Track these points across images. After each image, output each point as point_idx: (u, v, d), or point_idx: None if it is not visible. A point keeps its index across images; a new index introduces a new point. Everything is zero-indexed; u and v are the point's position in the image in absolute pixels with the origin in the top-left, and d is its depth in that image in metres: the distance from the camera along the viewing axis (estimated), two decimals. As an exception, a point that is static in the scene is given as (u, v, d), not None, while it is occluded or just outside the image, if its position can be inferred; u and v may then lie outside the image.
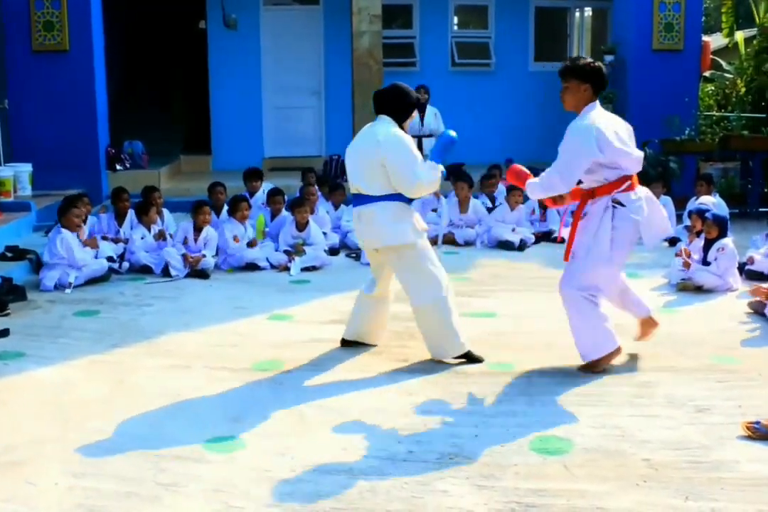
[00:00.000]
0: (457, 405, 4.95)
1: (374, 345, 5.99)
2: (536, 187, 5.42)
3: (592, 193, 5.38)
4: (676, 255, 7.98)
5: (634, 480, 3.97)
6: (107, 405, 4.98)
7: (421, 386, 5.25)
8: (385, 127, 5.55)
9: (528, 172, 5.58)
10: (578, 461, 4.18)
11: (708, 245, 7.75)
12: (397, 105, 5.61)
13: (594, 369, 5.44)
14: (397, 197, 5.54)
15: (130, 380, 5.40)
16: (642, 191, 5.42)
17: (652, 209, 5.41)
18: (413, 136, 11.80)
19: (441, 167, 5.57)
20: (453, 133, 5.62)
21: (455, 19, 15.61)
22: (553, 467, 4.13)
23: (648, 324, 5.93)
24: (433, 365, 5.62)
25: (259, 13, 14.67)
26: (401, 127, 5.62)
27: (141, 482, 3.98)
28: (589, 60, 5.36)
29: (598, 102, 5.36)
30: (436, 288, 5.58)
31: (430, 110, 12.16)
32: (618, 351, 5.50)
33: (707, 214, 7.89)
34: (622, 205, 5.28)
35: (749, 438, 4.38)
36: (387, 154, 5.42)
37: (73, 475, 4.06)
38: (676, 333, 6.34)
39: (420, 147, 11.78)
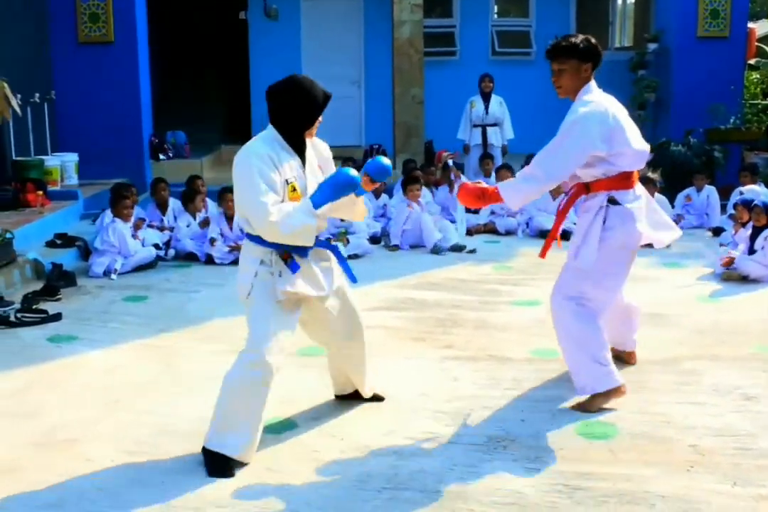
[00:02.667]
0: (503, 390, 4.98)
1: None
2: (511, 191, 4.61)
3: (586, 187, 4.67)
4: (721, 245, 7.95)
5: (680, 465, 3.99)
6: (156, 387, 5.09)
7: (466, 372, 5.30)
8: (251, 140, 4.15)
9: (483, 185, 4.72)
10: (624, 446, 4.21)
11: (755, 234, 7.70)
12: (278, 110, 4.07)
13: (591, 406, 4.66)
14: (257, 240, 4.06)
15: (178, 363, 5.51)
16: (641, 189, 4.73)
17: (651, 209, 4.82)
18: (477, 126, 11.97)
19: (318, 212, 3.96)
20: (353, 173, 4.01)
21: (495, 8, 15.58)
22: (599, 451, 4.16)
23: (626, 357, 5.34)
24: (477, 351, 5.67)
25: (299, 3, 14.73)
26: (296, 139, 4.09)
27: (195, 460, 4.07)
28: (582, 36, 4.62)
29: (594, 82, 4.67)
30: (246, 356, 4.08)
31: (495, 99, 12.05)
32: (621, 390, 4.69)
33: (756, 202, 7.86)
34: (617, 203, 4.58)
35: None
36: (233, 176, 4.02)
37: (127, 453, 4.17)
38: (721, 322, 6.35)
39: (485, 137, 11.81)
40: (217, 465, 3.98)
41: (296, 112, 4.03)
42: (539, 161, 4.55)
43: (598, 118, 4.45)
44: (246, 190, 3.92)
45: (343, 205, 4.13)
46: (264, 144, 4.01)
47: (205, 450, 4.05)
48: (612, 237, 4.58)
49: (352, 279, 4.39)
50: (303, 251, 4.08)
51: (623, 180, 4.59)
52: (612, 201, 4.59)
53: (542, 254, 4.85)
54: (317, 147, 4.26)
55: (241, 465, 4.03)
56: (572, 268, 4.72)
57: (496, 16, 15.53)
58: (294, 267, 4.04)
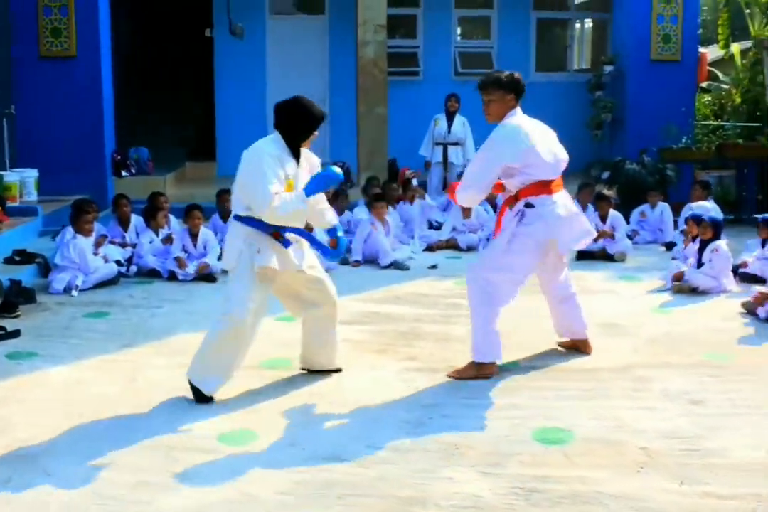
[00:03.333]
0: (461, 399, 5.11)
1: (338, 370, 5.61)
2: (459, 194, 5.61)
3: (515, 196, 5.50)
4: (673, 258, 8.18)
5: (631, 467, 4.15)
6: (120, 402, 5.11)
7: (426, 382, 5.41)
8: (260, 141, 5.08)
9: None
10: (578, 450, 4.36)
11: (702, 248, 7.96)
12: (285, 121, 5.04)
13: (465, 373, 5.46)
14: (249, 221, 5.01)
15: (142, 378, 5.54)
16: (562, 196, 5.53)
17: (570, 215, 5.51)
18: (438, 144, 12.17)
19: (310, 199, 4.95)
20: (338, 171, 5.08)
21: (458, 30, 15.81)
22: (555, 456, 4.30)
23: (580, 346, 5.99)
24: (439, 363, 5.77)
25: (265, 21, 14.86)
26: (296, 146, 5.05)
27: (156, 472, 4.14)
28: (507, 72, 5.51)
29: (519, 108, 5.52)
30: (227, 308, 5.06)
31: (459, 119, 12.26)
32: (493, 369, 5.50)
33: (704, 216, 8.13)
34: (532, 206, 5.41)
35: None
36: (241, 168, 5.01)
37: (89, 467, 4.20)
38: (672, 331, 6.56)
39: (445, 155, 12.00)
40: (198, 395, 5.03)
41: (298, 125, 5.01)
42: (466, 173, 5.58)
43: (509, 137, 5.36)
44: (255, 179, 4.84)
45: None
46: (273, 146, 4.97)
47: (190, 381, 5.06)
48: (523, 233, 5.40)
49: (326, 254, 5.39)
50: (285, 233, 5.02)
51: (539, 187, 5.41)
52: (528, 205, 5.42)
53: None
54: (309, 156, 5.24)
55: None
56: (487, 256, 5.62)
57: (458, 37, 15.76)
58: (287, 244, 5.03)
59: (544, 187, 5.42)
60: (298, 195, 4.89)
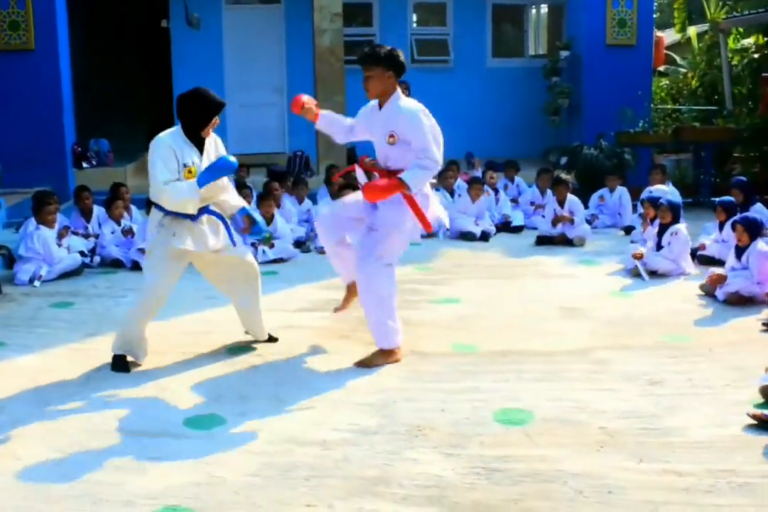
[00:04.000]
0: (424, 383, 5.20)
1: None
2: (418, 177, 5.35)
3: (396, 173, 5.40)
4: (632, 242, 8.30)
5: (591, 446, 4.26)
6: (87, 389, 5.17)
7: (388, 366, 5.50)
8: (162, 132, 5.36)
9: (382, 180, 5.43)
10: (539, 430, 4.47)
11: (662, 231, 8.07)
12: (182, 112, 5.34)
13: (371, 362, 5.52)
14: (158, 207, 5.39)
15: (107, 365, 5.57)
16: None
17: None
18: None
19: (202, 190, 5.21)
20: (232, 159, 5.28)
21: (414, 17, 15.85)
22: (516, 436, 4.41)
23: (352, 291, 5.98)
24: (402, 347, 5.85)
25: (221, 11, 14.81)
26: (196, 135, 5.31)
27: (125, 456, 4.20)
28: (388, 47, 5.45)
29: (399, 90, 5.55)
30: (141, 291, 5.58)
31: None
32: (398, 354, 5.61)
33: (662, 200, 8.24)
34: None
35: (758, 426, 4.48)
36: (149, 160, 5.32)
37: (59, 451, 4.27)
38: (631, 314, 6.69)
39: None
40: (119, 363, 5.51)
41: (194, 115, 5.29)
42: (430, 155, 5.35)
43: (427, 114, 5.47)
44: (151, 170, 5.22)
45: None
46: (170, 136, 5.29)
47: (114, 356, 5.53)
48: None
49: (233, 243, 5.64)
50: (193, 217, 5.35)
51: None
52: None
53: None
54: (217, 142, 5.51)
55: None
56: (380, 236, 5.47)
57: (415, 24, 15.81)
58: (195, 219, 5.34)
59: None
60: (190, 184, 5.18)
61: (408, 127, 5.38)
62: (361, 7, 15.30)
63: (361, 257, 5.47)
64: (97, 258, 8.71)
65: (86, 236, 9.08)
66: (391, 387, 5.13)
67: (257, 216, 5.69)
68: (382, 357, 5.55)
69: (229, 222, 5.61)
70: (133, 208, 9.78)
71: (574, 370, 5.39)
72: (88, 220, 9.43)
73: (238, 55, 14.88)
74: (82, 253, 8.51)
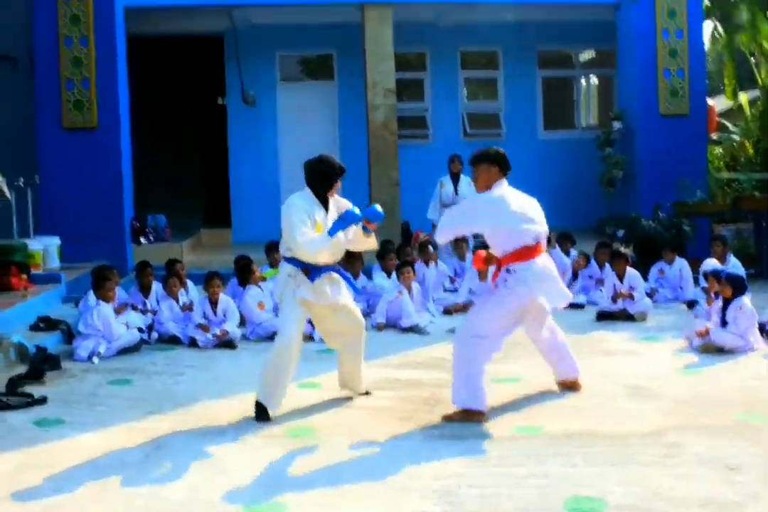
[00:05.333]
0: (488, 467, 5.04)
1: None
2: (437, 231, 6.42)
3: (500, 262, 6.05)
4: (695, 317, 8.11)
5: (670, 536, 4.07)
6: (145, 469, 5.10)
7: (452, 450, 5.34)
8: (292, 196, 6.19)
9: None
10: (613, 519, 4.28)
11: (726, 305, 7.88)
12: (309, 177, 6.15)
13: (455, 417, 5.94)
14: (291, 261, 6.08)
15: (167, 445, 5.53)
16: (542, 259, 6.06)
17: (548, 275, 6.06)
18: (446, 205, 12.14)
19: (333, 239, 5.98)
20: (357, 211, 6.07)
21: (465, 91, 16.01)
22: (589, 525, 4.23)
23: (571, 385, 6.60)
24: (462, 429, 5.72)
25: (275, 88, 15.13)
26: (322, 196, 6.11)
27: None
28: (495, 148, 6.21)
29: (505, 181, 6.11)
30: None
31: (465, 179, 12.14)
32: (483, 416, 5.91)
33: (721, 274, 8.06)
34: (514, 272, 5.93)
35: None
36: (281, 219, 6.08)
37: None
38: (700, 393, 6.47)
39: None
40: (259, 412, 6.02)
41: (320, 179, 6.11)
42: (445, 213, 6.58)
43: (491, 203, 6.01)
44: (289, 225, 5.94)
45: (355, 237, 6.17)
46: (300, 198, 6.11)
47: (256, 402, 6.05)
48: (506, 297, 5.96)
49: (356, 291, 6.59)
50: (317, 272, 6.01)
51: (520, 254, 5.94)
52: (509, 271, 5.95)
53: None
54: (338, 201, 6.26)
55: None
56: (472, 319, 6.15)
57: (466, 99, 15.95)
58: (313, 278, 6.01)
59: (524, 253, 5.94)
60: (322, 235, 5.96)
61: None
62: (413, 83, 15.52)
63: (460, 329, 6.22)
64: (154, 335, 8.74)
65: (144, 312, 9.13)
66: (454, 472, 4.97)
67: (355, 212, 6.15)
68: (465, 415, 5.89)
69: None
70: (189, 283, 9.83)
71: (645, 454, 5.18)
72: (146, 296, 9.49)
73: (293, 131, 15.11)
74: (140, 329, 8.55)
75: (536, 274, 5.94)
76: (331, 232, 5.98)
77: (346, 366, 6.51)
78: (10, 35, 11.11)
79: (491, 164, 6.09)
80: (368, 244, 6.36)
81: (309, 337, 8.68)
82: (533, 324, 6.34)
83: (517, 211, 5.95)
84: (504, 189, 6.07)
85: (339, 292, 6.23)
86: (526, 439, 5.52)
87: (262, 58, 14.93)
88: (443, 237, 6.41)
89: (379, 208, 6.08)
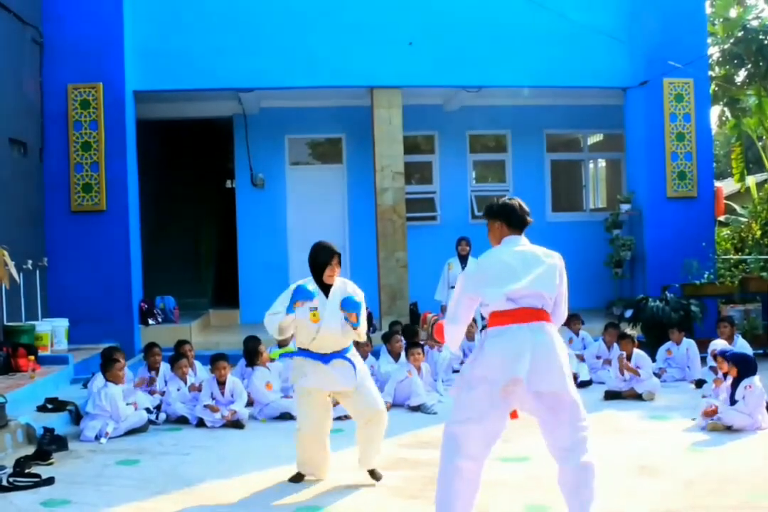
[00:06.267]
0: (499, 546, 4.99)
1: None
2: (445, 333, 5.25)
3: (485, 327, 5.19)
4: (703, 396, 8.10)
5: None
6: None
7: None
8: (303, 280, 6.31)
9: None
10: None
11: (735, 384, 7.87)
12: (309, 265, 6.23)
13: None
14: (300, 350, 6.29)
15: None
16: (531, 328, 4.89)
17: (547, 356, 4.83)
18: (453, 287, 12.14)
19: (274, 316, 6.12)
20: (358, 299, 6.16)
21: (474, 174, 16.23)
22: None
23: None
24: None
25: (284, 172, 15.34)
26: (318, 279, 6.17)
27: None
28: (502, 200, 5.41)
29: (518, 236, 5.27)
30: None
31: (472, 261, 12.28)
32: None
33: (726, 354, 8.08)
34: (488, 337, 4.96)
35: None
36: None
37: None
38: (709, 471, 6.42)
39: None
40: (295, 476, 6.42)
41: (312, 264, 6.19)
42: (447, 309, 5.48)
43: (470, 268, 5.70)
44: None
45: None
46: (308, 282, 6.17)
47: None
48: (474, 371, 4.91)
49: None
50: (325, 359, 6.12)
51: (498, 317, 4.94)
52: (486, 335, 5.03)
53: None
54: (346, 286, 6.27)
55: None
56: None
57: (474, 181, 16.16)
58: (286, 356, 6.58)
59: (502, 316, 4.92)
60: (275, 313, 6.08)
61: None
62: (422, 165, 15.75)
63: None
64: (162, 415, 8.72)
65: (152, 392, 9.12)
66: (467, 552, 4.92)
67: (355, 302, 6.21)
68: None
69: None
70: (197, 363, 9.85)
71: (655, 533, 5.14)
72: (151, 378, 9.48)
73: (301, 213, 15.30)
74: (147, 410, 8.53)
75: (511, 342, 4.82)
76: (288, 310, 6.00)
77: (362, 443, 6.44)
78: (20, 119, 11.31)
79: (494, 219, 5.34)
80: (354, 336, 6.30)
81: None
82: (545, 425, 4.96)
83: (493, 271, 5.02)
84: (501, 247, 5.21)
85: (348, 377, 6.20)
86: (535, 519, 5.46)
87: (271, 141, 15.18)
88: (452, 335, 5.21)
89: (357, 298, 6.11)
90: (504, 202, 5.38)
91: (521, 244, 5.25)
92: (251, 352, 9.45)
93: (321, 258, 6.15)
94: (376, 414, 6.29)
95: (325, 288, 6.18)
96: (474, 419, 4.83)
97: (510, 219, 5.29)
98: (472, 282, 5.13)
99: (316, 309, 6.06)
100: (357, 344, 10.36)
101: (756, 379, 7.87)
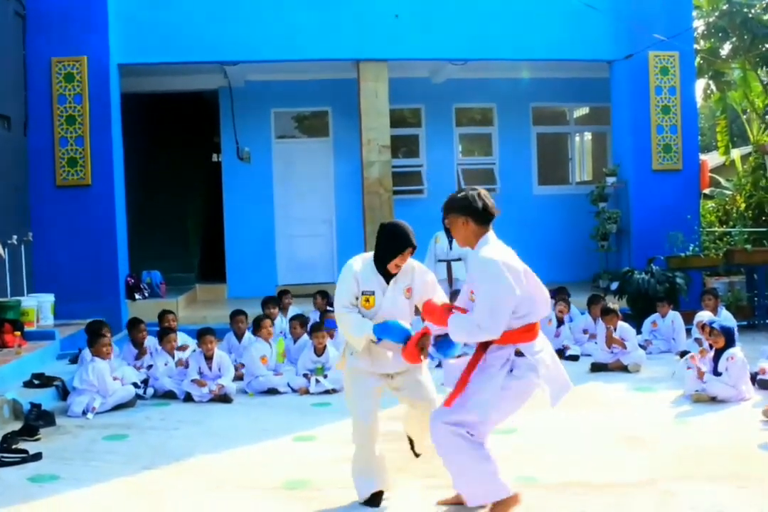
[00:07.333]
0: (485, 517, 5.03)
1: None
2: (460, 331, 4.83)
3: (488, 342, 4.83)
4: (688, 368, 8.15)
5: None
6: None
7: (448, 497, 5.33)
8: (358, 255, 5.45)
9: (439, 305, 5.09)
10: (608, 568, 4.27)
11: (717, 356, 7.94)
12: (377, 240, 5.33)
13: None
14: None
15: (164, 500, 5.51)
16: (543, 341, 4.91)
17: (554, 362, 4.91)
18: (441, 261, 12.22)
19: (372, 337, 5.13)
20: (407, 326, 5.14)
21: (460, 147, 16.20)
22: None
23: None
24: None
25: (271, 145, 15.28)
26: (381, 264, 5.21)
27: None
28: (463, 192, 4.92)
29: (490, 233, 4.99)
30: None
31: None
32: (516, 499, 4.92)
33: (713, 325, 8.12)
34: (523, 355, 4.78)
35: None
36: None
37: None
38: (694, 442, 6.49)
39: (449, 271, 12.01)
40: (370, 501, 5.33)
41: (381, 247, 5.23)
42: (476, 319, 4.71)
43: (498, 268, 4.79)
44: (336, 292, 5.26)
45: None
46: (360, 262, 5.28)
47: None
48: (516, 385, 4.81)
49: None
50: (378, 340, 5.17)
51: (527, 331, 4.79)
52: (518, 353, 4.78)
53: (447, 402, 4.94)
54: (417, 273, 5.35)
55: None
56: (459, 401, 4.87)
57: (461, 154, 16.13)
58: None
59: (531, 330, 4.83)
60: (361, 324, 5.14)
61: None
62: (408, 139, 15.71)
63: (435, 416, 5.06)
64: (150, 390, 8.73)
65: (139, 367, 9.12)
66: (451, 521, 4.97)
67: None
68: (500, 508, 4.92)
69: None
70: (180, 333, 9.82)
71: (638, 504, 5.18)
72: (139, 352, 9.48)
73: (287, 187, 15.25)
74: (135, 385, 8.53)
75: (545, 359, 4.82)
76: (377, 333, 5.11)
77: (410, 425, 5.72)
78: (3, 93, 11.21)
79: (457, 215, 4.89)
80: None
81: (306, 391, 8.71)
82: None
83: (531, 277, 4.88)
84: (491, 246, 4.93)
85: (402, 361, 5.28)
86: (521, 488, 5.48)
87: (257, 114, 15.10)
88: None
89: (406, 325, 5.16)
90: (466, 195, 4.89)
91: (499, 242, 4.95)
92: (257, 322, 9.36)
93: (396, 245, 5.18)
94: (425, 404, 5.41)
95: (386, 272, 5.23)
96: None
97: (478, 213, 4.88)
98: (514, 295, 4.66)
99: (372, 293, 5.21)
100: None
101: (737, 350, 7.94)
